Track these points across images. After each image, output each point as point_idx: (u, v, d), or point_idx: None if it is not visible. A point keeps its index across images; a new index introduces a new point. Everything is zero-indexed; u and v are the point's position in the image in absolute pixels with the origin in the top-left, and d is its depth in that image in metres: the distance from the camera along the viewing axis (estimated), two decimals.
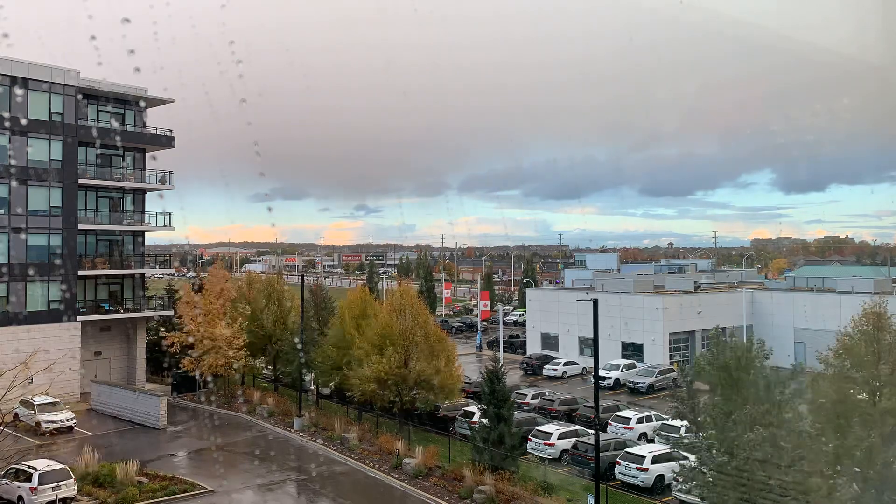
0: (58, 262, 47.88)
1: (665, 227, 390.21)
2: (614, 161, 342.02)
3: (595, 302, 27.47)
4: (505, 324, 76.25)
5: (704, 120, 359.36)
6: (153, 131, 53.42)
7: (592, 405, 31.27)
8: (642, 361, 58.49)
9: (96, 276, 51.26)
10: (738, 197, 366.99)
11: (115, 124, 52.37)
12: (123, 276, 52.72)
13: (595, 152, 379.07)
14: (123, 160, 53.22)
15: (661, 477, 31.09)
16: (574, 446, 35.15)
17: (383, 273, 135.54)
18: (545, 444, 35.93)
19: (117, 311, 51.66)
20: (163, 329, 51.51)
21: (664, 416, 40.00)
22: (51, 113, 47.54)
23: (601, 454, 28.09)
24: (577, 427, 38.12)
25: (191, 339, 44.67)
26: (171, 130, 53.91)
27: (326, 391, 48.49)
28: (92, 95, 50.07)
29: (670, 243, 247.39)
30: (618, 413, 41.41)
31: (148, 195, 54.40)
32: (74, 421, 40.93)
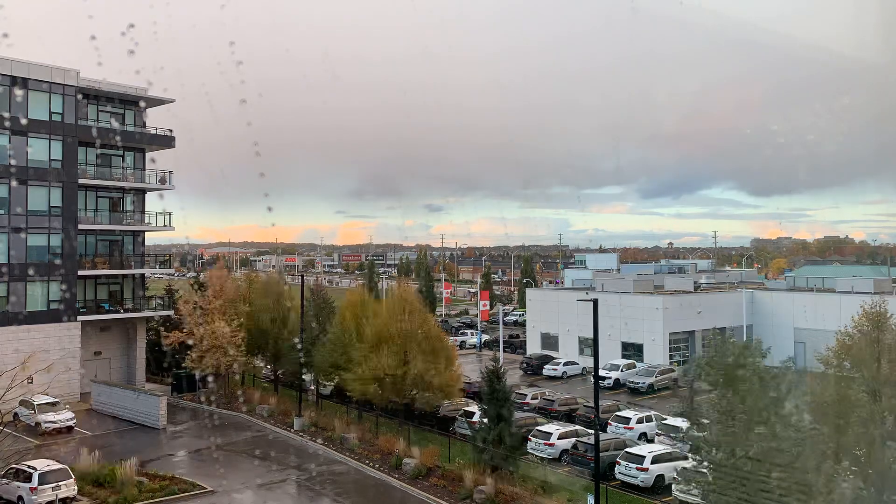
0: (58, 262, 47.87)
1: (690, 227, 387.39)
2: (635, 161, 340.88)
3: (595, 302, 27.46)
4: (505, 324, 76.26)
5: (709, 120, 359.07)
6: (153, 131, 53.41)
7: (592, 405, 31.27)
8: (642, 361, 58.49)
9: (96, 276, 51.24)
10: (766, 198, 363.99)
11: (115, 124, 52.35)
12: (123, 276, 52.71)
13: (600, 152, 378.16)
14: (123, 160, 53.20)
15: (661, 477, 31.09)
16: (574, 446, 35.14)
17: (383, 273, 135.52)
18: (545, 444, 35.92)
19: (117, 311, 51.64)
20: (163, 329, 51.47)
21: (664, 416, 40.02)
22: (51, 113, 47.52)
23: (601, 454, 28.08)
24: (577, 427, 38.12)
25: (190, 342, 44.63)
26: (171, 130, 53.97)
27: (326, 391, 48.49)
28: (92, 95, 50.05)
29: (670, 243, 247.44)
30: (618, 413, 41.40)
31: (148, 195, 54.42)
32: (74, 421, 40.91)
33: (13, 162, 46.52)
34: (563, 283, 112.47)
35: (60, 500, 28.66)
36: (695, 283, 73.90)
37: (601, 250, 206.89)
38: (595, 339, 27.90)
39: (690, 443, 25.48)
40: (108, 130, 52.12)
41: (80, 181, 49.09)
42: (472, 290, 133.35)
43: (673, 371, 55.70)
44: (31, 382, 34.68)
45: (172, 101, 53.58)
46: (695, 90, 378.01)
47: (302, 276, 50.07)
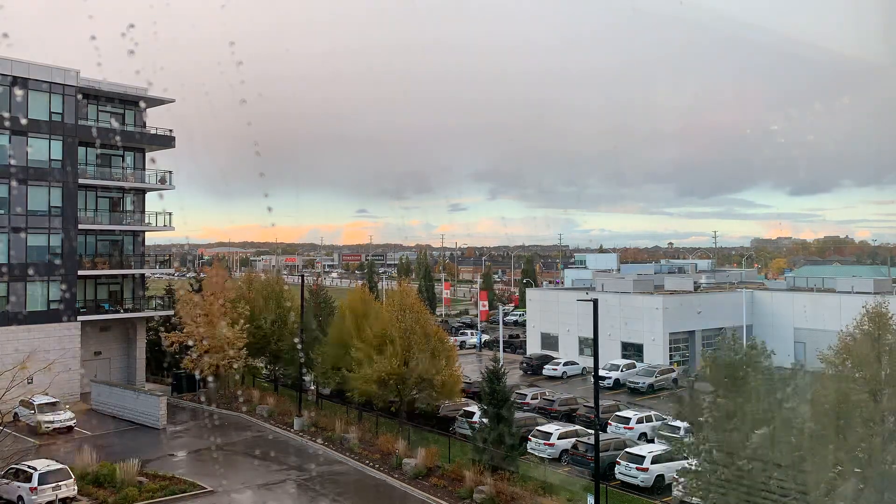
0: (58, 262, 47.86)
1: (698, 226, 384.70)
2: (646, 160, 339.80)
3: (595, 302, 27.45)
4: (505, 324, 76.23)
5: (715, 120, 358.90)
6: (153, 131, 53.41)
7: (592, 405, 31.26)
8: (642, 361, 58.47)
9: (96, 276, 51.23)
10: (778, 198, 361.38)
11: (115, 124, 52.35)
12: (123, 276, 52.70)
13: (606, 152, 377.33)
14: (123, 160, 53.20)
15: (661, 477, 31.08)
16: (574, 446, 35.14)
17: (383, 273, 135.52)
18: (545, 444, 35.92)
19: (117, 311, 51.64)
20: (162, 329, 51.46)
21: (664, 416, 40.01)
22: (51, 113, 47.51)
23: (601, 454, 28.08)
24: (577, 427, 38.12)
25: (190, 342, 44.59)
26: (171, 130, 53.98)
27: (326, 391, 48.45)
28: (92, 95, 50.04)
29: (670, 243, 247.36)
30: (618, 413, 41.39)
31: (148, 195, 54.41)
32: (74, 421, 40.90)
33: (13, 162, 46.50)
34: (563, 283, 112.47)
35: (60, 500, 28.65)
36: (695, 283, 73.87)
37: (601, 250, 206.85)
38: (595, 339, 27.90)
39: (687, 443, 25.45)
40: (108, 130, 52.11)
41: (80, 181, 49.08)
42: (472, 289, 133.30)
43: (673, 371, 55.69)
44: (30, 382, 34.64)
45: (172, 101, 53.58)
46: (699, 91, 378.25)
47: (302, 276, 50.05)
